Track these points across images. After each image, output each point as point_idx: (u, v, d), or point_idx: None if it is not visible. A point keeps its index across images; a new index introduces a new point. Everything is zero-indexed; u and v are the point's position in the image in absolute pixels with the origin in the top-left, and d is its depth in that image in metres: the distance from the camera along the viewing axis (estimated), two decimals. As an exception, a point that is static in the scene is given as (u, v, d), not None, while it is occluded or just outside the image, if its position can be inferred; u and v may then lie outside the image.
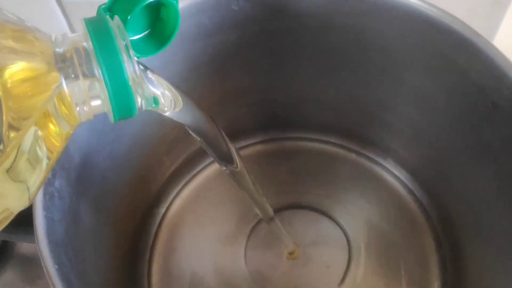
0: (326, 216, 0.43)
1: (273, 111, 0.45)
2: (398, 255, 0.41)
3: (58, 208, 0.28)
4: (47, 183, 0.27)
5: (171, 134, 0.41)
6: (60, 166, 0.29)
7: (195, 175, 0.46)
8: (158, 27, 0.24)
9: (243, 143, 0.47)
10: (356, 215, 0.43)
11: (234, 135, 0.46)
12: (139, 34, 0.24)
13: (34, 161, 0.19)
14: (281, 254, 0.41)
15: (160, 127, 0.40)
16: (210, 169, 0.46)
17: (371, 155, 0.45)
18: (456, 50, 0.31)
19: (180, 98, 0.24)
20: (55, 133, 0.19)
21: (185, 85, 0.37)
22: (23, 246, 0.46)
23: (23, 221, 0.33)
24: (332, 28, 0.36)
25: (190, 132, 0.27)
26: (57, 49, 0.19)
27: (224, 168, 0.30)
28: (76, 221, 0.31)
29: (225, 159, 0.29)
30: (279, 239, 0.40)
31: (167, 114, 0.24)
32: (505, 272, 0.32)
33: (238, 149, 0.30)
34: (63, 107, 0.19)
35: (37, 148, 0.19)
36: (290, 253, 0.41)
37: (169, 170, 0.44)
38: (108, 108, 0.19)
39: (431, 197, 0.42)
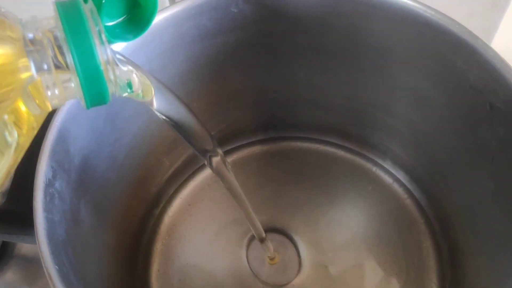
0: (324, 215, 0.43)
1: (272, 112, 0.45)
2: (395, 255, 0.41)
3: (58, 209, 0.28)
4: (48, 184, 0.28)
5: (171, 135, 0.41)
6: (61, 167, 0.29)
7: (195, 176, 0.46)
8: (136, 13, 0.24)
9: (241, 144, 0.47)
10: (353, 216, 0.43)
11: (233, 136, 0.46)
12: (116, 19, 0.24)
13: (1, 145, 0.18)
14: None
15: (160, 128, 0.40)
16: (210, 170, 0.46)
17: (369, 155, 0.45)
18: (453, 52, 0.32)
19: (149, 82, 0.23)
20: (26, 117, 0.19)
21: (185, 87, 0.38)
22: (23, 247, 0.46)
23: (24, 222, 0.33)
24: (330, 29, 0.36)
25: (162, 118, 0.25)
26: (28, 33, 0.18)
27: (207, 161, 0.29)
28: (76, 222, 0.31)
29: (203, 145, 0.28)
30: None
31: (142, 100, 0.23)
32: (503, 272, 0.32)
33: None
34: (34, 90, 0.18)
35: (6, 133, 0.18)
36: (271, 259, 0.41)
37: (169, 170, 0.44)
38: (80, 95, 0.19)
39: (428, 198, 0.42)
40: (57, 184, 0.29)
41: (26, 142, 0.19)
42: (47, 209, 0.27)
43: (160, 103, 0.24)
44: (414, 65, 0.35)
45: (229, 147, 0.47)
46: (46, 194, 0.27)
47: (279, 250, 0.42)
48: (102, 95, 0.19)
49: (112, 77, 0.19)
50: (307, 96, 0.43)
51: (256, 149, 0.47)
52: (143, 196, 0.43)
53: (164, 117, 0.25)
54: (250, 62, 0.39)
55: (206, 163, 0.29)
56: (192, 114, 0.26)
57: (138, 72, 0.22)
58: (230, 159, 0.46)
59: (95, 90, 0.18)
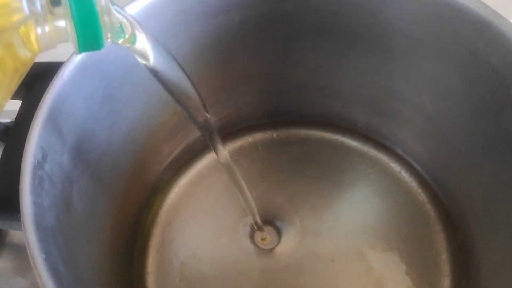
0: (329, 206, 0.42)
1: (278, 98, 0.43)
2: (405, 249, 0.40)
3: (48, 193, 0.26)
4: (37, 166, 0.26)
5: (170, 121, 0.40)
6: (52, 149, 0.27)
7: (194, 164, 0.45)
8: None
9: (246, 131, 0.45)
10: (361, 207, 0.42)
11: (237, 123, 0.45)
12: None
13: None
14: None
15: (160, 113, 0.38)
16: (210, 158, 0.45)
17: (379, 145, 0.44)
18: (475, 33, 0.30)
19: (138, 26, 0.22)
20: (11, 55, 0.18)
21: (186, 69, 0.36)
22: (15, 236, 0.45)
23: (11, 206, 0.31)
24: (341, 9, 0.34)
25: (156, 78, 0.25)
26: None
27: (201, 128, 0.28)
28: (68, 208, 0.29)
29: (196, 110, 0.28)
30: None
31: (134, 47, 0.22)
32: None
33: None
34: (24, 31, 0.18)
35: None
36: (263, 239, 0.41)
37: (168, 158, 0.43)
38: (72, 36, 0.18)
39: (442, 190, 0.41)
40: (47, 167, 0.27)
41: (9, 83, 0.18)
42: (35, 193, 0.25)
43: (155, 58, 0.24)
44: (431, 48, 0.33)
45: (233, 134, 0.45)
46: (34, 176, 0.25)
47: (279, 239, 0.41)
48: (96, 37, 0.18)
49: (107, 20, 0.18)
50: (315, 82, 0.41)
51: (261, 136, 0.46)
52: (141, 184, 0.41)
53: (154, 73, 0.24)
54: (256, 44, 0.37)
55: (197, 127, 0.28)
56: (185, 74, 0.26)
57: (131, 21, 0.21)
58: (234, 146, 0.45)
59: (89, 30, 0.18)
